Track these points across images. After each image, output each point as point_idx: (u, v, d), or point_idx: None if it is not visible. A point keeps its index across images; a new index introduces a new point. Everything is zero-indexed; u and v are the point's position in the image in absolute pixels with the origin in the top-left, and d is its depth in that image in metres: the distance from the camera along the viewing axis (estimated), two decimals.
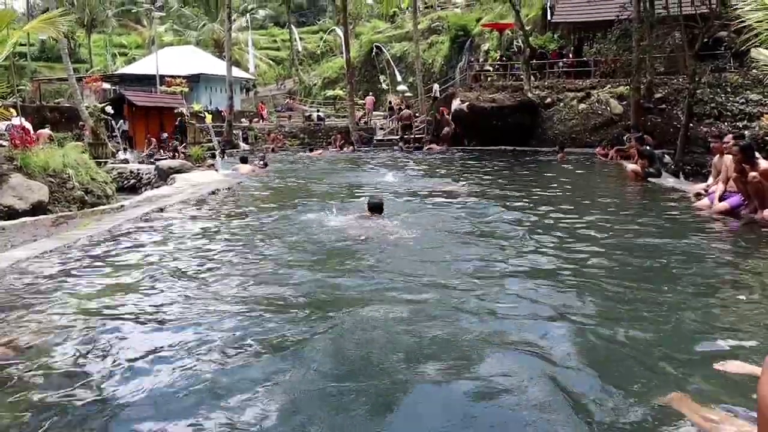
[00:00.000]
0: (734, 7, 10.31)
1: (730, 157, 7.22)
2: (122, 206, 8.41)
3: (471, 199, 9.12)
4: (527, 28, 26.86)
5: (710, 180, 8.51)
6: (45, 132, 15.91)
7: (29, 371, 2.88)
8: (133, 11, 60.36)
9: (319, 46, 54.15)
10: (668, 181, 10.94)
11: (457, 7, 44.48)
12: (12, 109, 17.03)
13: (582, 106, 21.64)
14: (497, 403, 2.56)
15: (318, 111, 36.06)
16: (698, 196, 8.31)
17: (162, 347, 3.16)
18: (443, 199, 9.15)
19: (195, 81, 36.00)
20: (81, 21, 50.45)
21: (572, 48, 27.16)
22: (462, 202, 8.84)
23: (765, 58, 9.75)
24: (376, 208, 6.93)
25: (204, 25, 53.55)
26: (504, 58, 28.74)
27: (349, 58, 28.64)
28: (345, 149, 24.35)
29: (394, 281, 4.37)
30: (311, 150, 23.30)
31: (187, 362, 2.96)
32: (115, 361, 3.00)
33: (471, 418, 2.46)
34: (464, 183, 10.32)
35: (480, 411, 2.52)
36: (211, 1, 53.02)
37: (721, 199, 7.47)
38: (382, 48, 41.92)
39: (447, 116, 23.78)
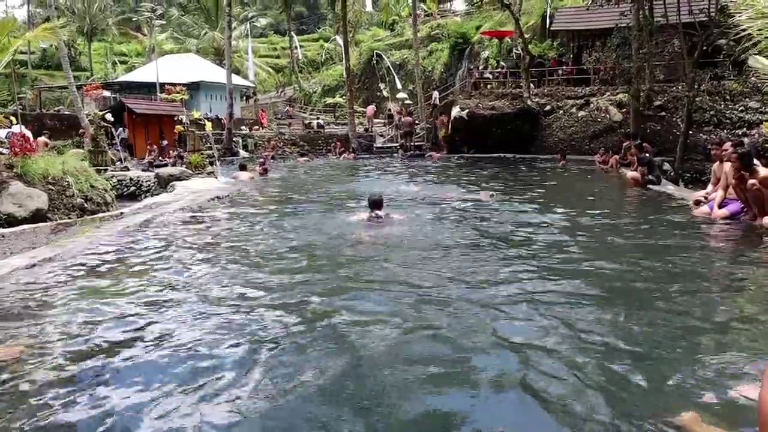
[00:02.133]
0: (733, 15, 10.34)
1: (730, 163, 7.23)
2: (122, 213, 8.40)
3: (493, 206, 9.02)
4: (527, 35, 26.97)
5: (710, 187, 8.50)
6: (41, 140, 15.96)
7: (28, 375, 2.87)
8: (133, 19, 60.82)
9: (319, 53, 54.42)
10: (668, 188, 10.93)
11: (456, 15, 44.70)
12: (12, 117, 17.13)
13: (581, 113, 21.68)
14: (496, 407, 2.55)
15: (318, 119, 36.18)
16: (698, 203, 8.30)
17: (160, 353, 3.15)
18: (467, 206, 9.06)
19: (195, 88, 36.14)
20: (81, 29, 50.86)
21: (571, 56, 27.28)
22: (485, 208, 8.77)
23: (763, 66, 9.78)
24: (375, 204, 7.14)
25: (204, 33, 53.84)
26: (504, 66, 28.85)
27: (349, 65, 28.71)
28: (345, 156, 24.40)
29: (396, 288, 4.36)
30: (302, 155, 23.55)
31: (185, 367, 2.96)
32: (114, 365, 2.99)
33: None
34: (493, 192, 10.07)
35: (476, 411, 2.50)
36: (212, 10, 53.29)
37: (721, 206, 7.47)
38: (382, 56, 42.09)
39: (442, 119, 23.85)
